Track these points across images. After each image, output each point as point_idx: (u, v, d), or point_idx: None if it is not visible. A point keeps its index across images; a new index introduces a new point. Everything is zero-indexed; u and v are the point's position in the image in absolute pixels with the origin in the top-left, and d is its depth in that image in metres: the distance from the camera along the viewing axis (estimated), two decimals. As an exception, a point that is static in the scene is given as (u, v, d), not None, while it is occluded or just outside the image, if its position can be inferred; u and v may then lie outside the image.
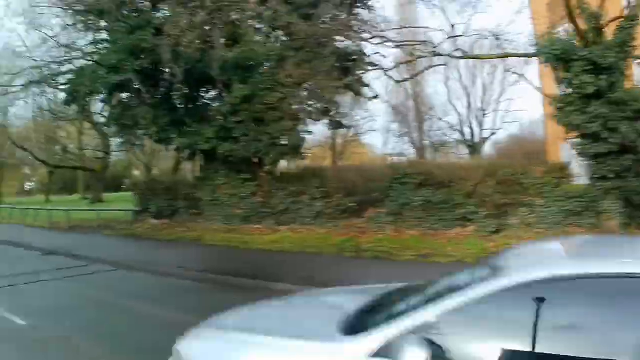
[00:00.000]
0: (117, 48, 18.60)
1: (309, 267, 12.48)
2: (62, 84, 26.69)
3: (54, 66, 26.46)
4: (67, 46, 26.26)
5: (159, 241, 18.62)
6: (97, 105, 26.65)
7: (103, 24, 22.58)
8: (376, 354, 3.07)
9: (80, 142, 56.83)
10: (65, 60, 27.79)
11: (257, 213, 18.92)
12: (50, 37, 26.18)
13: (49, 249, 18.29)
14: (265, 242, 16.63)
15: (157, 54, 17.76)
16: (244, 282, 11.38)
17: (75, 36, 26.25)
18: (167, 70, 17.92)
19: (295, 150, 19.04)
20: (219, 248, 16.50)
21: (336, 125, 21.92)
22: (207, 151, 18.92)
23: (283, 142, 18.33)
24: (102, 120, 25.48)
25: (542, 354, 2.84)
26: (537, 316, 2.88)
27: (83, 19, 21.68)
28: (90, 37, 23.35)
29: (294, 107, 18.65)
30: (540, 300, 2.91)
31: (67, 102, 22.88)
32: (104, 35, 23.72)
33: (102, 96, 21.33)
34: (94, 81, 18.91)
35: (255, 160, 19.34)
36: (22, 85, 35.58)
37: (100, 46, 21.25)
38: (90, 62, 21.14)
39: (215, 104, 19.98)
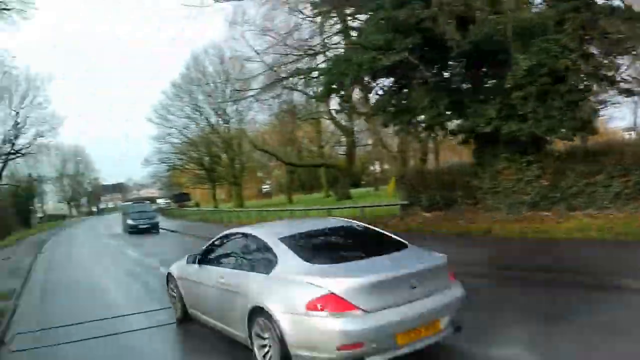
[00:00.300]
0: (381, 27, 17.92)
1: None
2: (311, 78, 27.39)
3: (294, 64, 27.05)
4: (306, 40, 26.82)
5: (439, 236, 17.46)
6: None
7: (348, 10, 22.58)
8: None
9: (320, 140, 59.24)
10: (313, 54, 28.47)
11: (545, 198, 17.10)
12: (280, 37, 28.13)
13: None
14: (564, 230, 14.84)
15: (428, 29, 16.89)
16: (569, 278, 10.00)
17: (309, 32, 26.89)
18: (447, 44, 16.70)
19: (586, 124, 16.80)
20: (514, 240, 14.91)
21: (627, 93, 19.11)
22: (486, 133, 17.46)
23: (575, 117, 16.19)
24: (361, 110, 25.30)
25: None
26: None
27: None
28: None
29: (585, 76, 16.41)
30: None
31: (322, 96, 22.78)
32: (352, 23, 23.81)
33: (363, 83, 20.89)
34: (358, 67, 18.27)
35: (542, 139, 17.41)
36: (259, 89, 37.78)
37: (354, 33, 20.89)
38: (345, 50, 20.87)
39: (493, 80, 18.37)
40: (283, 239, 7.00)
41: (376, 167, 67.15)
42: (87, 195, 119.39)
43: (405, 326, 5.83)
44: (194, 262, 8.78)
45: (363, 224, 8.31)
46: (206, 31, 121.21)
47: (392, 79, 20.03)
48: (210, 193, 74.25)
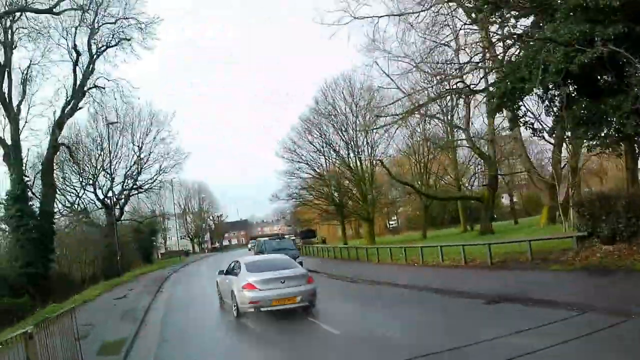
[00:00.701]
0: (576, 17, 14.07)
1: None
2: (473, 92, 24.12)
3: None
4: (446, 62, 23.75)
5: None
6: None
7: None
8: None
9: (457, 170, 55.11)
10: (473, 68, 25.07)
11: None
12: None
13: (489, 294, 14.53)
14: None
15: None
16: None
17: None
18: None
19: None
20: None
21: None
22: None
23: None
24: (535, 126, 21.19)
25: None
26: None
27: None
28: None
29: None
30: None
31: (493, 110, 19.73)
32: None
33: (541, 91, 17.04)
34: (543, 70, 14.59)
35: None
36: (398, 115, 35.04)
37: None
38: (525, 52, 17.25)
39: None
40: (246, 263, 16.89)
41: (503, 198, 61.51)
42: (210, 232, 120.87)
43: (276, 297, 14.94)
44: (220, 274, 18.98)
45: (288, 258, 18.19)
46: (335, 62, 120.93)
47: (578, 84, 15.94)
48: (338, 229, 71.68)
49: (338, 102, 57.84)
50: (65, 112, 38.01)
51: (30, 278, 32.63)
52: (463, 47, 28.86)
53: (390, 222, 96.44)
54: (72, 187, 55.37)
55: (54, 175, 47.98)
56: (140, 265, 58.81)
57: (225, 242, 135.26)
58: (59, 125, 37.77)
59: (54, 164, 45.55)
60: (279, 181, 70.29)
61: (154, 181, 60.73)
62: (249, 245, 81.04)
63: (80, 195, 55.69)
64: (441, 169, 59.43)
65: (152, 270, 52.45)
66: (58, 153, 46.77)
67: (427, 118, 47.22)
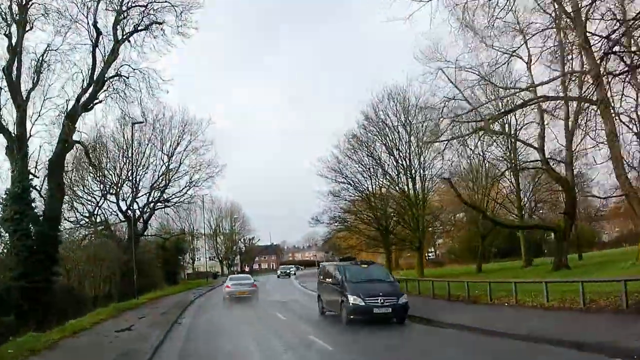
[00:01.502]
0: None
1: None
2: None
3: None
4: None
5: None
6: None
7: None
8: None
9: (520, 196, 48.18)
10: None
11: None
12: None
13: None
14: None
15: None
16: None
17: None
18: None
19: None
20: None
21: None
22: None
23: None
24: None
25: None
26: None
27: None
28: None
29: None
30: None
31: None
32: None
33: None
34: None
35: None
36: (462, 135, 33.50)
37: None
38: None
39: None
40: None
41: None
42: (240, 255, 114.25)
43: (236, 292, 34.17)
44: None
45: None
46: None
47: None
48: (378, 258, 64.57)
49: (390, 116, 51.37)
50: (81, 102, 31.79)
51: (25, 292, 26.47)
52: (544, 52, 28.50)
53: (428, 254, 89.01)
54: (92, 195, 49.65)
55: (68, 178, 42.51)
56: (163, 285, 52.66)
57: (255, 266, 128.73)
58: (71, 117, 31.48)
59: (69, 166, 40.05)
60: (319, 203, 64.36)
61: (183, 195, 54.75)
62: (279, 272, 75.09)
63: (100, 204, 49.90)
64: (500, 195, 52.30)
65: (175, 292, 46.24)
66: (76, 154, 41.14)
67: (495, 135, 41.33)
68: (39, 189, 32.80)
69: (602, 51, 25.06)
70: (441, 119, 33.18)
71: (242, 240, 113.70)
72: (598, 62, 23.31)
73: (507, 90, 34.92)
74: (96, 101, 33.03)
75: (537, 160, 39.39)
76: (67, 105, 31.65)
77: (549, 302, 18.73)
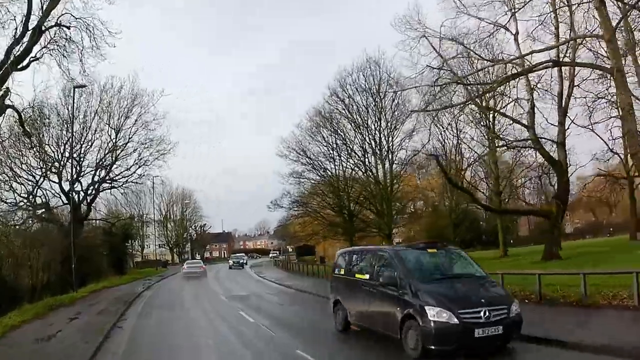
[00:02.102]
0: None
1: None
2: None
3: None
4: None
5: None
6: None
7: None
8: None
9: (499, 180, 44.68)
10: None
11: None
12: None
13: None
14: None
15: None
16: None
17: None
18: None
19: None
20: None
21: None
22: None
23: None
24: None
25: None
26: None
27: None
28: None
29: None
30: None
31: None
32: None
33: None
34: None
35: None
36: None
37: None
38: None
39: None
40: None
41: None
42: (191, 242, 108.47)
43: (190, 272, 47.99)
44: None
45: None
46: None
47: None
48: (337, 247, 60.28)
49: (358, 93, 47.39)
50: (12, 56, 26.43)
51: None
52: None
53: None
54: (31, 173, 43.76)
55: (4, 153, 36.99)
56: (109, 274, 47.24)
57: (207, 254, 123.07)
58: (1, 76, 26.19)
59: (3, 137, 34.55)
60: (278, 188, 60.28)
61: (132, 174, 48.76)
62: (231, 262, 70.25)
63: (40, 183, 44.06)
64: (475, 179, 48.57)
65: (121, 283, 40.92)
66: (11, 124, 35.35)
67: (482, 111, 38.26)
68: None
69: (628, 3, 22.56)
70: (428, 90, 29.87)
71: (192, 227, 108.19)
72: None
73: (496, 62, 32.21)
74: (31, 56, 27.32)
75: (526, 139, 36.11)
76: (-6, 58, 26.01)
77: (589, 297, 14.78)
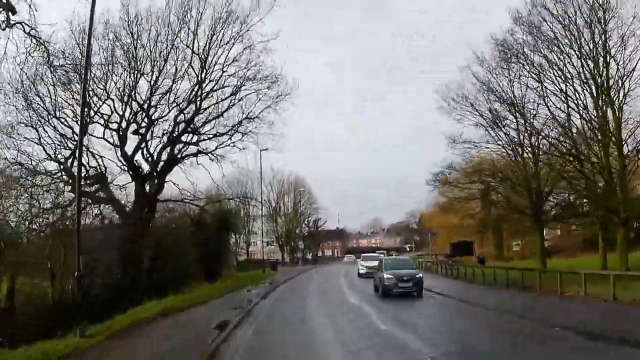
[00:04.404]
0: None
1: None
2: None
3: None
4: None
5: None
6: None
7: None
8: None
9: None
10: None
11: None
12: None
13: None
14: None
15: None
16: None
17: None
18: None
19: None
20: None
21: None
22: None
23: None
24: None
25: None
26: None
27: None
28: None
29: None
30: None
31: None
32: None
33: None
34: None
35: None
36: None
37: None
38: None
39: None
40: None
41: None
42: (304, 239, 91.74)
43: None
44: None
45: None
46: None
47: None
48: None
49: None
50: None
51: None
52: None
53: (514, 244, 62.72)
54: (66, 124, 27.72)
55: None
56: (194, 281, 30.71)
57: (319, 253, 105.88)
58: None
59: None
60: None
61: (231, 131, 31.51)
62: (345, 259, 62.62)
63: (78, 144, 27.50)
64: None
65: (199, 302, 23.17)
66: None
67: None
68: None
69: None
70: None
71: (305, 222, 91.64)
72: None
73: None
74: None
75: None
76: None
77: None
